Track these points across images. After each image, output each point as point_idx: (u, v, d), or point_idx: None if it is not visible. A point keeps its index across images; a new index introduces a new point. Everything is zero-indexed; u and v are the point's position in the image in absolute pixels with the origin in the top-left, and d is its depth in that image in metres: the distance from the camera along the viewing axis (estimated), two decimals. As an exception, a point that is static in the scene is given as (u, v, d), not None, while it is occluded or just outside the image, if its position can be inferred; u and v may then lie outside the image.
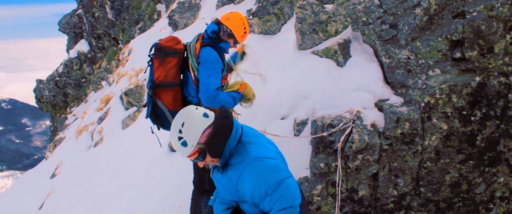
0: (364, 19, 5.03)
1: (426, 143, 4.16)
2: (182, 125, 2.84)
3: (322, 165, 4.30)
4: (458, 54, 4.19)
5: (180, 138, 2.85)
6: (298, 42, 6.02)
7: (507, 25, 4.16)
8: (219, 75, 4.31)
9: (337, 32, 5.58)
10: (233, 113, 4.94)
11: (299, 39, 5.98)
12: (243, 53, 4.93)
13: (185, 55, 4.45)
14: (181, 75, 4.47)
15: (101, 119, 12.34)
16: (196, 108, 2.95)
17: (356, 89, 4.62)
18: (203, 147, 2.88)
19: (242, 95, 4.50)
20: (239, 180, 2.91)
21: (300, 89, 5.24)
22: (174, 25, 12.66)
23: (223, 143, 2.90)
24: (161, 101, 4.41)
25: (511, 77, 4.14)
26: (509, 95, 4.10)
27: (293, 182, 2.91)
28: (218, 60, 4.32)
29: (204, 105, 4.31)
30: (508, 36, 4.13)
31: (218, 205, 3.27)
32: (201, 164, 3.02)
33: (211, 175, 3.29)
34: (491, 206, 4.21)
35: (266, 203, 2.85)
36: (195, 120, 2.86)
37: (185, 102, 4.49)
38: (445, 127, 4.12)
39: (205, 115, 2.90)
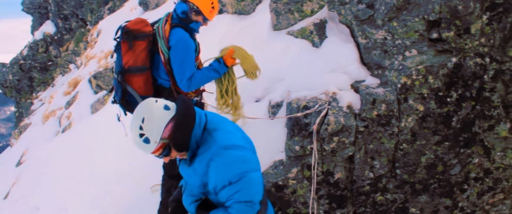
0: (340, -1, 4.93)
1: (402, 124, 4.11)
2: (143, 121, 2.61)
3: (297, 147, 4.21)
4: (435, 35, 4.14)
5: (141, 135, 2.63)
6: (273, 22, 5.88)
7: (484, 6, 4.12)
8: (192, 56, 4.14)
9: (313, 12, 5.47)
10: (205, 104, 4.79)
11: (274, 19, 5.84)
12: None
13: (154, 37, 4.25)
14: (151, 59, 4.28)
15: (69, 104, 11.96)
16: (156, 100, 2.72)
17: (332, 70, 4.52)
18: (167, 142, 2.70)
19: (223, 61, 4.33)
20: (205, 170, 2.75)
21: (275, 71, 5.12)
22: (144, 5, 12.30)
23: (187, 136, 2.70)
24: (132, 86, 4.21)
25: (486, 58, 4.11)
26: (485, 77, 4.08)
27: (258, 176, 2.76)
28: (188, 41, 4.14)
29: (185, 91, 4.17)
30: (484, 17, 4.09)
31: (187, 197, 3.10)
32: (166, 159, 2.84)
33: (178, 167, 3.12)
34: (466, 187, 4.21)
35: (224, 193, 2.68)
36: (156, 114, 2.64)
37: (156, 86, 4.32)
38: (421, 108, 4.08)
39: (166, 107, 2.69)
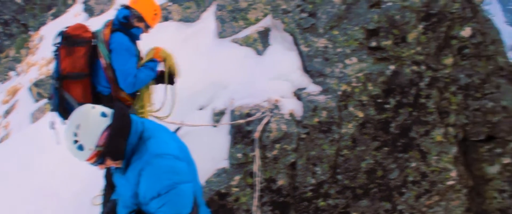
0: (284, 7, 4.98)
1: (343, 131, 4.18)
2: (78, 127, 2.50)
3: (239, 155, 4.20)
4: (374, 43, 4.25)
5: (75, 141, 2.51)
6: (218, 30, 5.87)
7: (419, 16, 4.28)
8: (134, 58, 4.05)
9: (257, 20, 5.50)
10: (147, 114, 4.65)
11: (219, 27, 5.83)
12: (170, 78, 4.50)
13: (94, 43, 4.13)
14: (91, 65, 4.15)
15: (7, 112, 11.42)
16: (93, 107, 2.64)
17: (275, 78, 4.56)
18: (102, 150, 2.61)
19: (157, 61, 4.24)
20: (137, 179, 2.66)
21: (219, 78, 5.10)
22: (89, 11, 11.97)
23: (123, 144, 2.61)
24: (70, 93, 4.06)
25: (422, 66, 4.27)
26: (420, 84, 4.23)
27: (188, 188, 2.67)
28: (130, 44, 4.05)
29: (128, 92, 4.06)
30: (420, 26, 4.25)
31: (121, 209, 2.99)
32: (101, 167, 2.73)
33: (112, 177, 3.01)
34: (404, 190, 4.33)
35: (153, 204, 2.60)
36: (92, 121, 2.54)
37: (95, 94, 4.18)
38: (361, 114, 4.17)
39: (103, 114, 2.59)
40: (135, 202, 2.83)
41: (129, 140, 2.66)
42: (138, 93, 4.25)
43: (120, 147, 2.62)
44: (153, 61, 4.23)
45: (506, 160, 4.57)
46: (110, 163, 2.71)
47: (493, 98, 4.44)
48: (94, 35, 4.16)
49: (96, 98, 4.15)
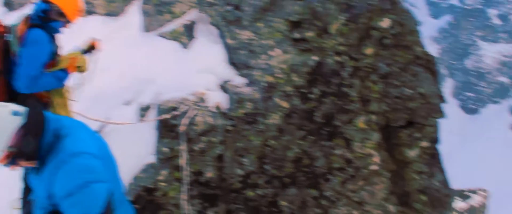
0: (210, 0, 4.95)
1: (269, 121, 4.23)
2: None
3: (166, 149, 4.15)
4: (297, 35, 4.33)
5: None
6: (144, 24, 5.74)
7: (341, 7, 4.40)
8: (43, 57, 3.86)
9: (183, 13, 5.43)
10: (68, 111, 4.47)
11: (145, 20, 5.72)
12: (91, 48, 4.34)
13: (6, 38, 3.91)
14: (4, 61, 3.93)
15: None
16: (4, 105, 2.48)
17: (201, 71, 4.53)
18: (14, 151, 2.47)
19: (68, 73, 4.05)
20: (51, 179, 2.55)
21: (145, 73, 5.00)
22: (9, 5, 11.36)
23: (36, 143, 2.47)
24: None
25: (344, 56, 4.39)
26: (343, 73, 4.35)
27: (102, 188, 2.54)
28: (45, 42, 3.87)
29: (23, 92, 3.84)
30: (341, 18, 4.37)
31: (37, 211, 2.86)
32: (14, 168, 2.59)
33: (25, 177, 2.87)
34: (330, 177, 4.45)
35: (64, 204, 2.49)
36: (2, 120, 2.40)
37: (11, 91, 3.97)
38: (286, 105, 4.24)
39: (16, 113, 2.42)
40: (51, 203, 2.71)
41: (44, 139, 2.54)
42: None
43: (33, 147, 2.50)
44: (63, 71, 4.02)
45: (424, 144, 4.82)
46: (23, 164, 2.58)
47: (411, 86, 4.65)
48: (8, 29, 3.95)
49: (11, 96, 3.94)
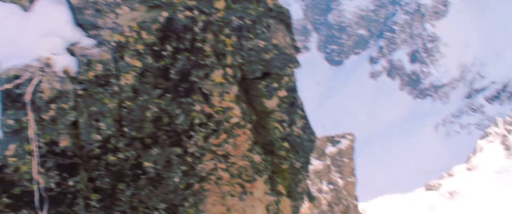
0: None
1: (122, 82, 4.12)
2: None
3: (11, 122, 3.85)
4: (144, -9, 4.20)
5: None
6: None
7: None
8: None
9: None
10: None
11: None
12: None
13: None
14: None
15: None
16: None
17: (45, 34, 4.22)
18: None
19: None
20: None
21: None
22: None
23: None
24: None
25: (195, 11, 4.37)
26: (195, 28, 4.34)
27: None
28: None
29: None
30: (189, -28, 4.30)
31: None
32: None
33: None
34: (192, 133, 4.49)
35: None
36: None
37: None
38: (138, 64, 4.14)
39: None
40: None
41: None
42: None
43: None
44: None
45: (282, 93, 5.04)
46: None
47: (264, 37, 4.79)
48: None
49: None
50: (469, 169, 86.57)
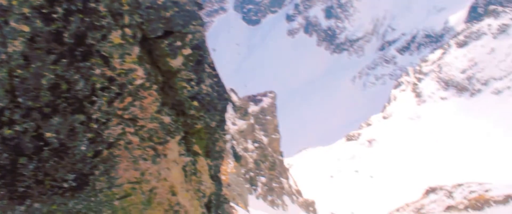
0: None
1: (10, 49, 3.84)
2: None
3: None
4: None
5: None
6: None
7: None
8: None
9: None
10: None
11: None
12: None
13: None
14: None
15: None
16: None
17: None
18: None
19: None
20: None
21: None
22: None
23: None
24: None
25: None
26: (87, -12, 4.11)
27: None
28: None
29: None
30: None
31: None
32: None
33: None
34: (95, 98, 4.33)
35: None
36: None
37: None
38: (27, 29, 3.87)
39: None
40: None
41: None
42: None
43: None
44: None
45: (186, 51, 4.97)
46: None
47: (164, -5, 4.65)
48: None
49: None
50: (385, 117, 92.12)
